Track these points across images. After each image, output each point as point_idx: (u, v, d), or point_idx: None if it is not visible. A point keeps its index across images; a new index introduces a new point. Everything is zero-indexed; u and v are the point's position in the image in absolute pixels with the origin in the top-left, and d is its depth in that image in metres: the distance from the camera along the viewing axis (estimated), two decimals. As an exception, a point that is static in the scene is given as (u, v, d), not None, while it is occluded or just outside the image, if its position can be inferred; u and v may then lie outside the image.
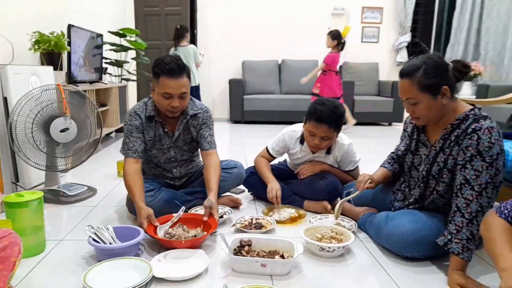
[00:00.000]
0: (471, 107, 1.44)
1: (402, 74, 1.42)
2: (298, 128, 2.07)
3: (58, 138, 2.13)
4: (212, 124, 1.96)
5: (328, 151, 2.01)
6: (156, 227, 1.60)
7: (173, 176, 1.99)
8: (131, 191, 1.70)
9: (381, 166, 1.78)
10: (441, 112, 1.42)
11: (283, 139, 2.09)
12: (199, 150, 2.03)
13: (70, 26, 3.01)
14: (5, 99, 2.15)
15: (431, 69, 1.37)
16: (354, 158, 2.04)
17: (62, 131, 2.13)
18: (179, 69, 1.69)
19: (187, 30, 4.81)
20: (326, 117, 1.83)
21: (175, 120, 1.87)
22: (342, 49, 4.55)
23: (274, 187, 1.96)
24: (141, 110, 1.82)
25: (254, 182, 2.14)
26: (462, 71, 1.41)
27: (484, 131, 1.33)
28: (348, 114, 4.88)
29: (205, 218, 1.66)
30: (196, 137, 1.92)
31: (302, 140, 2.05)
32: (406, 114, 1.70)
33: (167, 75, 1.68)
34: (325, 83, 4.54)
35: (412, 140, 1.61)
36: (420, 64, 1.39)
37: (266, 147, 2.15)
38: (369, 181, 1.66)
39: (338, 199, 2.10)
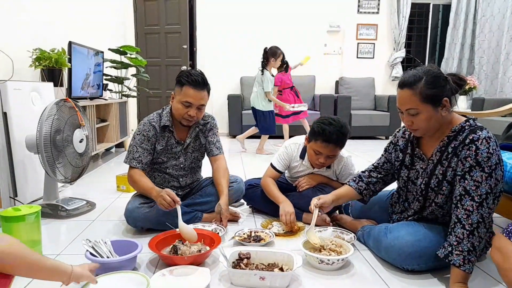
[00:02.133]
0: (465, 118, 1.43)
1: (403, 85, 1.40)
2: (299, 141, 2.06)
3: (78, 149, 2.20)
4: (218, 131, 2.06)
5: (328, 166, 2.01)
6: (157, 242, 1.57)
7: (179, 185, 2.01)
8: (141, 184, 1.79)
9: (346, 183, 1.76)
10: (439, 124, 1.41)
11: (286, 152, 2.07)
12: (201, 162, 2.09)
13: (70, 43, 3.03)
14: (4, 114, 2.14)
15: (433, 80, 1.36)
16: (353, 170, 2.03)
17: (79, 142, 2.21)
18: (203, 83, 1.83)
19: (272, 55, 4.15)
20: (335, 138, 1.82)
21: (187, 128, 1.96)
22: (286, 70, 4.50)
23: (288, 210, 1.87)
24: (156, 121, 1.91)
25: (253, 195, 2.12)
26: (458, 83, 1.41)
27: (482, 141, 1.32)
28: (286, 135, 4.70)
29: (225, 225, 1.79)
30: (204, 144, 2.02)
31: (302, 155, 2.04)
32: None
33: (192, 86, 1.80)
34: (283, 101, 4.57)
35: (406, 154, 1.59)
36: (421, 75, 1.37)
37: (271, 164, 2.11)
38: (318, 199, 1.67)
39: (337, 212, 2.08)
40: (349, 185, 1.72)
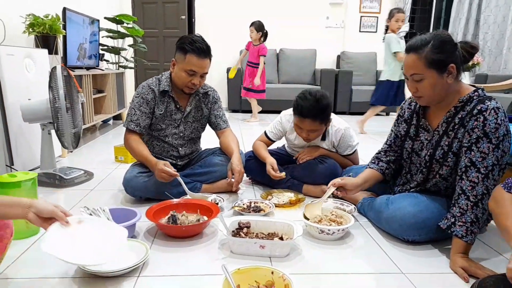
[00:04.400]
0: (474, 88, 1.39)
1: (409, 49, 1.36)
2: None
3: (78, 113, 2.21)
4: (221, 104, 2.07)
5: (323, 137, 1.99)
6: (155, 212, 1.56)
7: (179, 154, 2.00)
8: (138, 151, 1.80)
9: (366, 167, 1.73)
10: (445, 92, 1.37)
11: (280, 122, 2.07)
12: (201, 134, 2.08)
13: (65, 10, 2.93)
14: (-2, 80, 2.08)
15: (440, 45, 1.32)
16: (352, 142, 2.01)
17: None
18: (207, 51, 1.80)
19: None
20: (308, 112, 1.79)
21: (187, 97, 1.94)
22: (265, 40, 4.52)
23: (269, 161, 1.93)
24: (155, 85, 1.89)
25: (252, 166, 2.11)
26: (470, 52, 1.36)
27: (490, 112, 1.28)
28: (255, 107, 4.77)
29: (234, 188, 1.81)
30: (208, 116, 2.01)
31: None
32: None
33: (196, 54, 1.76)
34: (253, 76, 4.53)
35: (411, 125, 1.56)
36: (429, 39, 1.33)
37: (265, 131, 2.13)
38: (338, 187, 1.57)
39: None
40: (370, 167, 1.69)
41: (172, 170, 1.70)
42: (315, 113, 1.79)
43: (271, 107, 5.40)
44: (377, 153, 1.74)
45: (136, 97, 1.87)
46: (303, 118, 1.81)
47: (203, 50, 1.77)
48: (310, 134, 1.87)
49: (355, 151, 2.05)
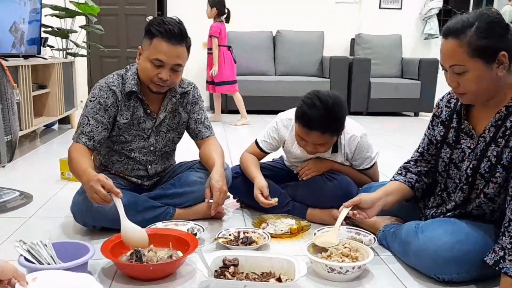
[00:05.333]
0: None
1: (447, 33, 1.38)
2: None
3: (13, 116, 2.22)
4: (203, 104, 2.07)
5: (335, 149, 1.98)
6: (114, 246, 1.55)
7: (147, 173, 2.00)
8: (77, 164, 1.70)
9: (391, 179, 1.74)
10: (495, 87, 1.39)
11: (276, 129, 2.06)
12: (176, 145, 2.09)
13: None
14: None
15: (487, 27, 1.33)
16: (371, 153, 2.02)
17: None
18: (180, 35, 1.77)
19: None
20: (317, 124, 1.76)
21: (161, 99, 1.92)
22: (227, 21, 4.73)
23: (258, 184, 1.92)
24: (117, 85, 1.86)
25: (240, 185, 2.11)
26: None
27: None
28: (242, 108, 4.93)
29: (213, 211, 1.80)
30: (186, 121, 2.01)
31: None
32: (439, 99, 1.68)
33: (165, 38, 1.74)
34: (219, 63, 4.67)
35: (449, 129, 1.58)
36: (472, 20, 1.34)
37: (256, 140, 2.13)
38: (355, 209, 1.60)
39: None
40: (395, 179, 1.70)
41: (111, 187, 1.57)
42: (326, 125, 1.77)
43: (265, 106, 5.44)
44: (405, 163, 1.75)
45: (90, 101, 1.84)
46: (309, 130, 1.79)
47: (175, 34, 1.75)
48: (317, 147, 1.86)
49: (374, 164, 2.06)
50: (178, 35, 1.76)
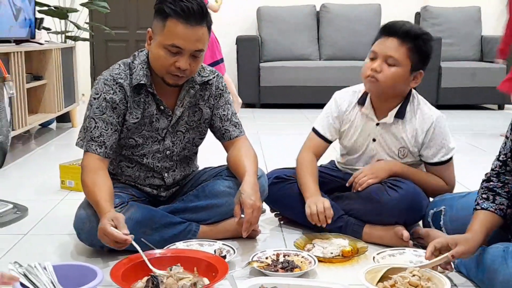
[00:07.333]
0: None
1: None
2: (358, 88, 2.14)
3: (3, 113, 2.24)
4: (230, 97, 2.07)
5: (401, 115, 2.03)
6: (126, 270, 1.57)
7: (163, 182, 2.02)
8: (93, 191, 1.74)
9: (475, 208, 1.69)
10: None
11: (335, 102, 2.16)
12: (198, 148, 2.11)
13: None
14: None
15: None
16: (447, 141, 2.04)
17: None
18: (201, 13, 1.77)
19: None
20: (399, 29, 1.95)
21: (176, 92, 1.93)
22: None
23: (318, 201, 1.94)
24: (124, 77, 1.88)
25: (282, 194, 2.12)
26: None
27: None
28: (233, 90, 4.99)
29: (244, 233, 1.82)
30: (210, 118, 2.02)
31: (362, 101, 2.09)
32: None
33: (181, 19, 1.74)
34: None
35: None
36: None
37: (313, 128, 2.18)
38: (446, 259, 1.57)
39: (419, 223, 2.05)
40: (482, 208, 1.66)
41: (120, 233, 1.59)
42: (407, 34, 1.93)
43: (307, 99, 5.42)
44: (485, 179, 1.71)
45: (94, 98, 1.86)
46: (387, 36, 1.96)
47: (194, 13, 1.74)
48: (382, 66, 1.94)
49: (450, 159, 2.06)
50: (197, 13, 1.76)
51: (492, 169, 1.70)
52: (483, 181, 1.72)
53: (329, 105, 2.17)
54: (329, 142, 2.15)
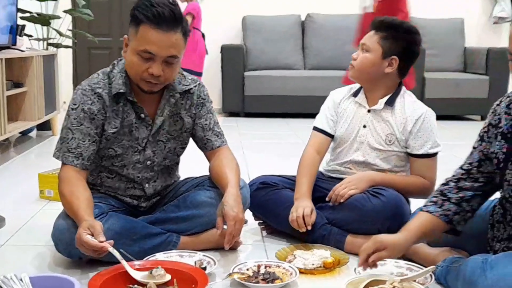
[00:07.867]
0: None
1: None
2: (354, 86, 2.25)
3: None
4: (212, 106, 2.08)
5: (391, 103, 2.12)
6: (105, 281, 1.56)
7: (144, 193, 2.01)
8: (70, 201, 1.74)
9: (421, 209, 1.72)
10: None
11: (330, 98, 2.28)
12: (180, 158, 2.11)
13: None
14: None
15: None
16: (435, 135, 2.09)
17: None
18: (173, 19, 1.76)
19: None
20: (377, 21, 2.13)
21: (157, 100, 1.92)
22: None
23: (300, 206, 1.99)
24: (102, 86, 1.87)
25: (264, 200, 2.14)
26: None
27: None
28: None
29: (226, 245, 1.81)
30: (191, 128, 2.01)
31: (356, 93, 2.21)
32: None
33: (153, 24, 1.74)
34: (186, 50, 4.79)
35: None
36: None
37: (313, 127, 2.27)
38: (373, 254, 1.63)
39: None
40: (427, 211, 1.68)
41: (95, 241, 1.59)
42: (381, 23, 2.11)
43: (292, 108, 5.43)
44: (442, 184, 1.74)
45: (72, 109, 1.85)
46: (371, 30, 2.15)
47: (165, 18, 1.74)
48: (359, 53, 2.13)
49: (435, 154, 2.10)
50: (170, 19, 1.75)
51: (453, 175, 1.72)
52: (441, 184, 1.74)
53: (325, 102, 2.29)
54: (330, 136, 2.21)
